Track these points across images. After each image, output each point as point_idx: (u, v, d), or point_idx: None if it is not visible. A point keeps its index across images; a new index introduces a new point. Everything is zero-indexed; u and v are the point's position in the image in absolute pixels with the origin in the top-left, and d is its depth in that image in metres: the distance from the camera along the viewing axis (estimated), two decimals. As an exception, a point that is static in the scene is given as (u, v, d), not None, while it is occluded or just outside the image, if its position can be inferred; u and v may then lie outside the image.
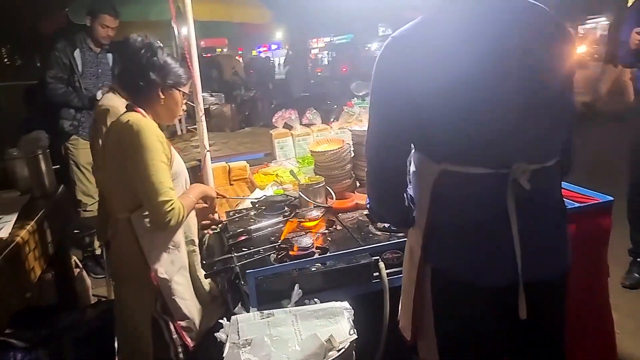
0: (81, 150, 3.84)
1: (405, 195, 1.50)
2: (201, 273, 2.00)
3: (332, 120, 3.76)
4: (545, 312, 1.42)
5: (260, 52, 21.75)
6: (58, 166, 3.61)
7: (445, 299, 1.44)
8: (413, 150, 1.46)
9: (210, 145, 4.22)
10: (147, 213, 1.77)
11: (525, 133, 1.31)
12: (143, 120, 1.77)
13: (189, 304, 1.89)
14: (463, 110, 1.28)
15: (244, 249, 2.00)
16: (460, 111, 1.29)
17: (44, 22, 4.01)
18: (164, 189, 1.72)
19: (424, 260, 1.45)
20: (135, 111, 1.83)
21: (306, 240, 1.88)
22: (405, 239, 1.91)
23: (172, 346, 1.86)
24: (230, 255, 1.83)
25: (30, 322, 2.87)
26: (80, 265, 3.47)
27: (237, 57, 14.13)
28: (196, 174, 2.78)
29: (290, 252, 1.86)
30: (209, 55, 12.90)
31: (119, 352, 1.99)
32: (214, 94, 6.98)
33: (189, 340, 1.88)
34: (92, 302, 3.40)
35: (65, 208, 3.15)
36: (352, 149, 2.51)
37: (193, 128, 6.28)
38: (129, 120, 1.76)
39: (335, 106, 5.40)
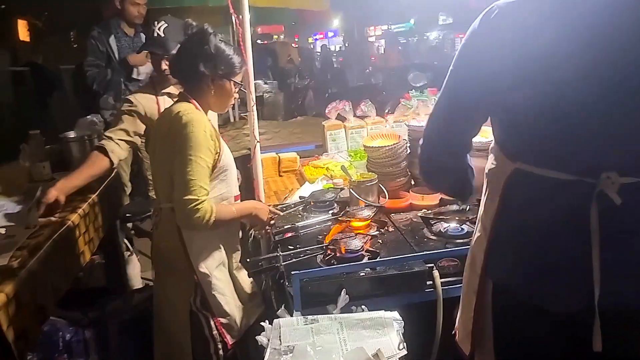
0: None
1: (462, 168, 1.38)
2: (241, 271, 1.96)
3: (387, 111, 3.61)
4: (622, 347, 1.25)
5: (316, 39, 21.64)
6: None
7: (507, 319, 1.29)
8: (492, 144, 1.31)
9: (261, 134, 4.17)
10: None
11: (623, 137, 1.11)
12: (193, 113, 1.74)
13: (229, 301, 1.85)
14: (551, 99, 1.10)
15: (290, 247, 1.92)
16: (548, 100, 1.11)
17: (104, 6, 4.05)
18: (195, 186, 1.67)
19: (485, 272, 1.30)
20: (188, 101, 1.79)
21: (355, 243, 1.77)
22: (466, 247, 1.79)
23: (212, 342, 1.83)
24: (275, 254, 1.75)
25: (79, 303, 2.92)
26: (131, 249, 3.51)
27: (293, 45, 14.10)
28: (246, 163, 2.72)
29: (338, 254, 1.75)
30: (265, 42, 12.93)
31: (157, 345, 1.96)
32: (267, 81, 6.96)
33: (228, 337, 1.84)
34: (141, 285, 3.45)
35: (117, 192, 3.19)
36: (408, 145, 2.37)
37: (246, 115, 6.26)
38: (179, 111, 1.73)
39: (390, 99, 5.25)
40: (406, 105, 3.32)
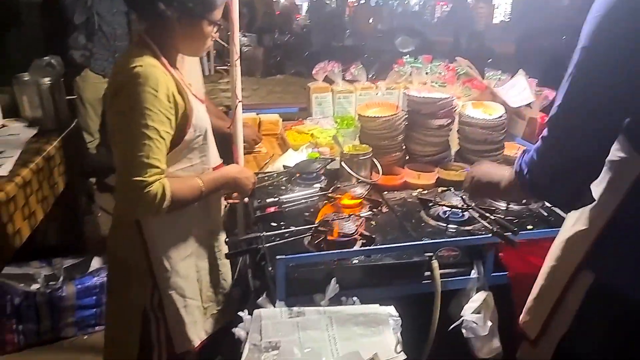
0: (90, 84, 3.49)
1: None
2: (222, 259, 1.69)
3: (371, 76, 3.37)
4: None
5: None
6: (74, 97, 3.34)
7: (602, 315, 1.23)
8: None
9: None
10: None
11: None
12: (147, 66, 1.36)
13: (190, 303, 1.58)
14: None
15: (273, 224, 1.70)
16: None
17: None
18: (139, 165, 1.34)
19: (584, 267, 1.22)
20: (146, 48, 1.43)
21: (349, 225, 1.58)
22: (468, 236, 1.63)
23: (156, 349, 1.58)
24: (258, 234, 1.53)
25: (33, 263, 2.67)
26: (92, 206, 3.24)
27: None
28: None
29: (329, 237, 1.56)
30: (245, -8, 12.23)
31: (106, 342, 1.69)
32: (246, 34, 6.56)
33: (177, 346, 1.59)
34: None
35: (78, 143, 2.89)
36: (406, 116, 2.16)
37: (222, 68, 5.91)
38: (130, 63, 1.36)
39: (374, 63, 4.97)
40: (399, 71, 3.09)
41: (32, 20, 3.68)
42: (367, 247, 1.56)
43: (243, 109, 2.19)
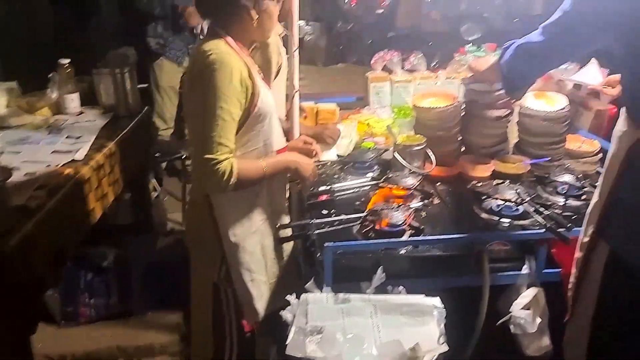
0: (165, 72, 3.65)
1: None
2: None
3: (434, 65, 3.31)
4: None
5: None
6: (146, 85, 3.52)
7: (619, 285, 1.26)
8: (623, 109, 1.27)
9: (299, 80, 3.91)
10: None
11: None
12: (221, 53, 1.47)
13: (256, 278, 1.66)
14: None
15: (323, 212, 1.75)
16: None
17: None
18: (213, 144, 1.45)
19: (597, 237, 1.30)
20: (219, 37, 1.53)
21: (398, 215, 1.59)
22: (521, 231, 1.60)
23: (227, 321, 1.69)
24: (308, 221, 1.58)
25: (104, 240, 2.86)
26: (158, 189, 3.43)
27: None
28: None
29: (377, 227, 1.58)
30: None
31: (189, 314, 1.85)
32: (310, 22, 6.59)
33: (246, 320, 1.70)
34: (167, 228, 3.39)
35: (148, 130, 3.06)
36: (463, 107, 2.13)
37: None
38: (206, 51, 1.47)
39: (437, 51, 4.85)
40: (460, 61, 3.02)
41: (111, 11, 3.87)
42: (415, 238, 1.57)
43: (301, 98, 2.25)
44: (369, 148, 2.20)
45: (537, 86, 2.50)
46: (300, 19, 5.19)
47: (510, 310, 1.54)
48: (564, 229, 1.49)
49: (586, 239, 1.37)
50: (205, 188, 1.57)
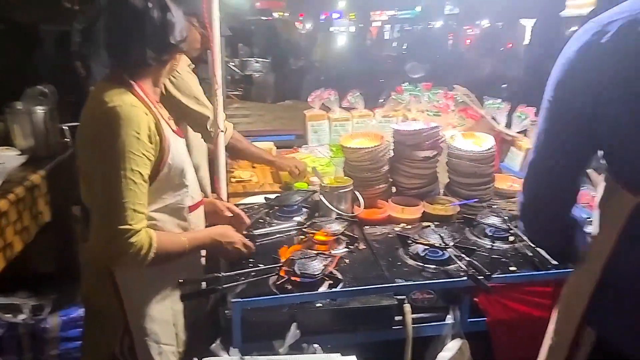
0: None
1: (569, 221, 1.18)
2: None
3: (381, 101, 3.30)
4: None
5: (322, 19, 20.99)
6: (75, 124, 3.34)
7: None
8: (603, 175, 1.12)
9: (244, 116, 3.80)
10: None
11: None
12: (125, 105, 1.30)
13: (164, 350, 1.47)
14: None
15: (242, 262, 1.62)
16: None
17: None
18: (125, 211, 1.27)
19: (584, 322, 1.10)
20: (122, 84, 1.36)
21: (315, 265, 1.49)
22: (446, 279, 1.52)
23: None
24: (216, 274, 1.45)
25: (20, 290, 2.64)
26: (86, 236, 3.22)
27: (297, 23, 13.53)
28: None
29: (292, 278, 1.47)
30: (269, 18, 12.36)
31: None
32: (259, 60, 6.60)
33: None
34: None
35: (70, 172, 2.88)
36: (391, 148, 2.08)
37: (233, 94, 5.88)
38: (110, 102, 1.30)
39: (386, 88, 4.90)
40: (397, 99, 3.02)
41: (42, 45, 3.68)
42: (331, 290, 1.47)
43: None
44: (297, 190, 2.11)
45: (468, 125, 2.50)
46: (250, 56, 5.13)
47: (436, 361, 1.45)
48: (484, 277, 1.43)
49: (560, 320, 1.21)
50: (117, 262, 1.36)
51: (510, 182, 2.25)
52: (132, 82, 1.38)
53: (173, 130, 1.47)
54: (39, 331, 2.47)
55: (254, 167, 2.86)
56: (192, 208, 1.51)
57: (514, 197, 2.07)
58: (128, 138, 1.28)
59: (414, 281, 1.52)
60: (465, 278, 1.48)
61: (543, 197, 1.15)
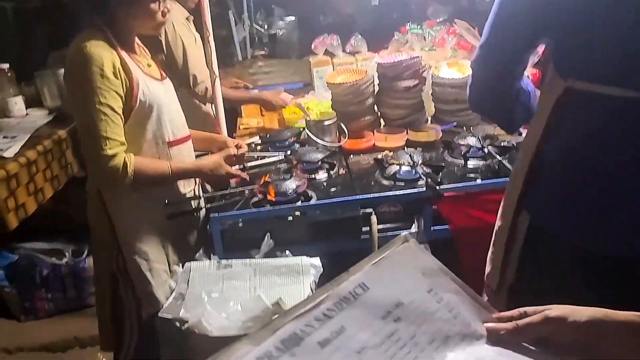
0: None
1: (513, 93, 1.21)
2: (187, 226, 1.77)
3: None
4: None
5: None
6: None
7: (539, 259, 1.14)
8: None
9: (265, 73, 3.96)
10: None
11: None
12: (92, 46, 1.46)
13: (155, 266, 1.65)
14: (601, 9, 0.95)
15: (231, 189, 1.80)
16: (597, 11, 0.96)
17: None
18: (101, 139, 1.45)
19: (520, 206, 1.15)
20: (99, 30, 1.52)
21: (288, 185, 1.64)
22: (414, 190, 1.63)
23: (127, 309, 1.70)
24: (197, 196, 1.63)
25: (61, 235, 2.93)
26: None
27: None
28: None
29: (268, 197, 1.64)
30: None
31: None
32: (284, 18, 6.65)
33: (144, 307, 1.69)
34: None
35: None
36: (376, 82, 2.17)
37: (260, 54, 6.01)
38: (77, 45, 1.47)
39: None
40: (399, 39, 3.06)
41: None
42: (301, 204, 1.62)
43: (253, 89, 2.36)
44: (288, 128, 2.26)
45: (461, 57, 2.54)
46: (274, 14, 5.18)
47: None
48: (438, 184, 1.53)
49: (503, 206, 1.25)
50: (100, 184, 1.58)
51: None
52: (106, 28, 1.54)
53: (147, 73, 1.61)
54: (79, 271, 2.79)
55: (263, 115, 3.02)
56: (173, 143, 1.67)
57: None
58: (93, 75, 1.45)
59: (378, 193, 1.64)
60: (423, 189, 1.59)
61: (490, 71, 1.18)
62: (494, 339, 0.66)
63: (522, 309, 0.67)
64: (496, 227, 1.28)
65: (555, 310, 0.64)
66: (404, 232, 1.63)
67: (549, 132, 1.07)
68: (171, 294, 1.41)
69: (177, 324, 1.26)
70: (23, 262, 2.72)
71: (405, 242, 0.75)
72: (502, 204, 1.26)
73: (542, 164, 1.09)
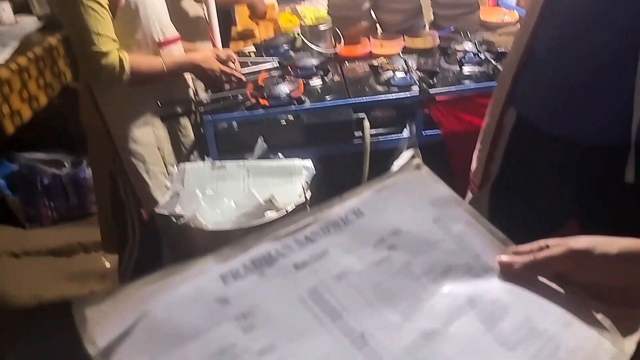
0: None
1: None
2: (183, 129, 1.75)
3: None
4: None
5: None
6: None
7: (521, 152, 1.15)
8: None
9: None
10: None
11: None
12: None
13: (151, 168, 1.67)
14: None
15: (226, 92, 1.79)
16: None
17: None
18: (93, 36, 1.43)
19: (508, 102, 1.14)
20: None
21: (281, 89, 1.64)
22: (406, 94, 1.63)
23: (127, 207, 1.74)
24: (192, 98, 1.63)
25: (62, 143, 2.95)
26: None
27: None
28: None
29: (261, 100, 1.64)
30: None
31: None
32: None
33: (144, 205, 1.72)
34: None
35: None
36: (373, -14, 2.09)
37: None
38: None
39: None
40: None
41: None
42: (294, 108, 1.62)
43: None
44: (283, 34, 2.21)
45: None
46: None
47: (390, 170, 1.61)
48: (428, 87, 1.53)
49: (491, 104, 1.23)
50: (97, 82, 1.56)
51: (503, 15, 2.23)
52: None
53: None
54: (79, 180, 2.85)
55: (257, 24, 2.94)
56: (164, 44, 1.64)
57: (502, 28, 2.09)
58: None
59: (371, 97, 1.64)
60: (417, 93, 1.59)
61: None
62: (507, 273, 0.56)
63: (542, 242, 0.58)
64: (483, 125, 1.29)
65: (581, 241, 0.55)
66: (395, 136, 1.66)
67: (541, 22, 1.04)
68: (166, 194, 1.45)
69: (174, 219, 1.31)
70: (24, 171, 2.76)
71: (417, 170, 0.67)
72: (490, 102, 1.27)
73: (533, 57, 1.07)
